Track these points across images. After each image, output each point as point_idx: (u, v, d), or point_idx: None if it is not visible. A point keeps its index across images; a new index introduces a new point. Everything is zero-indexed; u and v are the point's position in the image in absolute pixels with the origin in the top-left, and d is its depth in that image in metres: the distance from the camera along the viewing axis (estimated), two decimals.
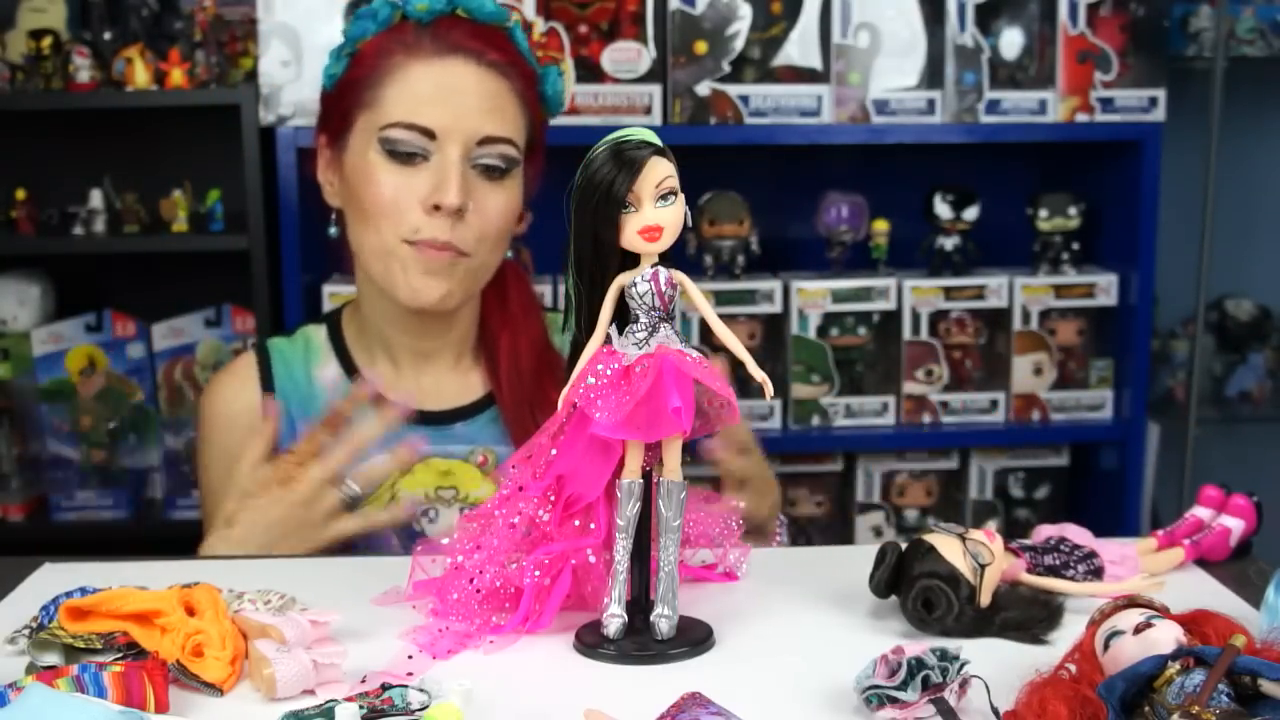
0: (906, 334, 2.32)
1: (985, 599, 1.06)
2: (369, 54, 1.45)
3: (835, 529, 2.44)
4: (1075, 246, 2.37)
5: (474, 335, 1.56)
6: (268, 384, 1.53)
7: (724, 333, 1.03)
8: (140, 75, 2.20)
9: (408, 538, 1.48)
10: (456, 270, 1.44)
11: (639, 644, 1.03)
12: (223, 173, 2.33)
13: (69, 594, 1.06)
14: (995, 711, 0.88)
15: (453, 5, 1.45)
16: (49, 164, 2.46)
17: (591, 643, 1.04)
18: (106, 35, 2.29)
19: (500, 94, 1.44)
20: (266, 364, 1.55)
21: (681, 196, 1.01)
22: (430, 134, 1.41)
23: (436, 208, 1.41)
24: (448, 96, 1.42)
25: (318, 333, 1.58)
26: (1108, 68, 2.26)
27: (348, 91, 1.47)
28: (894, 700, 0.88)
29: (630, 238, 1.00)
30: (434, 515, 1.49)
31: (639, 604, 1.06)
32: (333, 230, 1.54)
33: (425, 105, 1.41)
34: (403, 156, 1.42)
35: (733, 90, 2.19)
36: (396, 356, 1.54)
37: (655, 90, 2.18)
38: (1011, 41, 2.27)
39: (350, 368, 1.54)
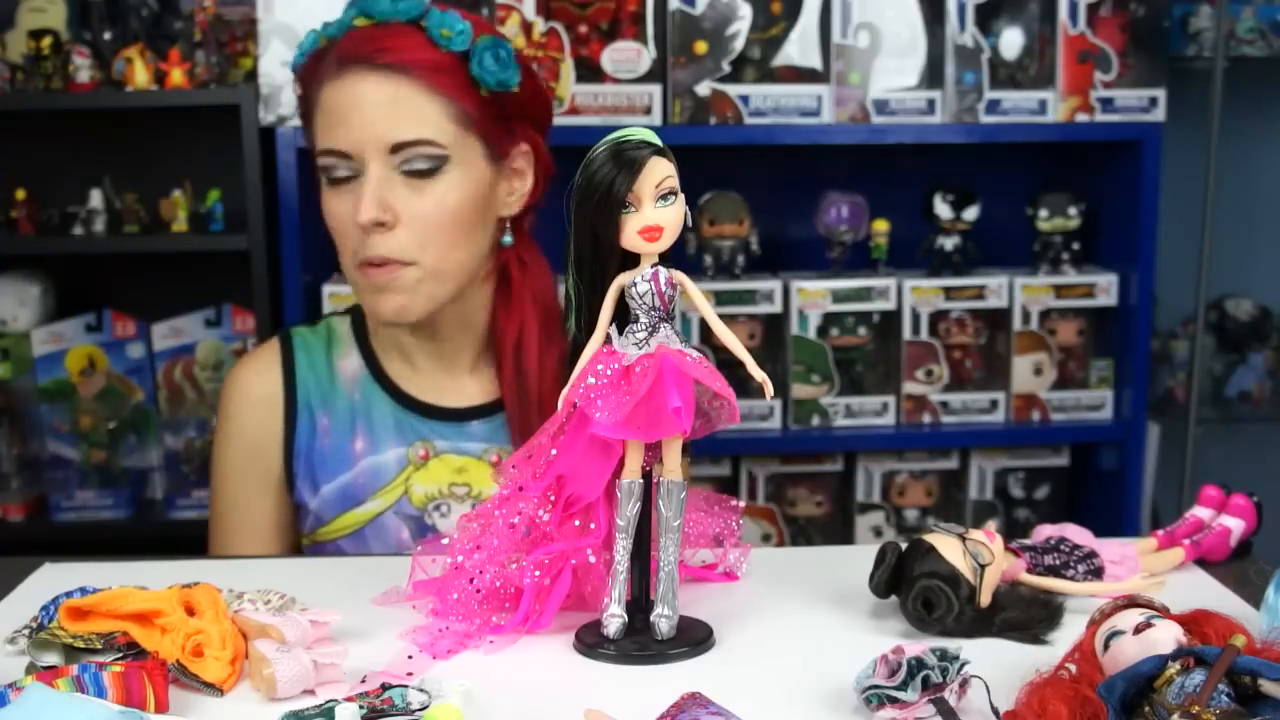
0: (906, 334, 2.32)
1: (985, 599, 1.06)
2: (303, 86, 1.47)
3: (835, 529, 2.44)
4: (1075, 246, 2.37)
5: (485, 336, 1.55)
6: (289, 372, 1.53)
7: (724, 333, 1.03)
8: (140, 75, 2.20)
9: (419, 531, 1.48)
10: (404, 281, 1.41)
11: (639, 644, 1.03)
12: (223, 173, 2.33)
13: (69, 594, 1.06)
14: (995, 711, 0.88)
15: (354, 13, 1.43)
16: (49, 164, 2.46)
17: (591, 643, 1.04)
18: (106, 35, 2.28)
19: (404, 95, 1.39)
20: (289, 352, 1.55)
21: (681, 196, 1.01)
22: (345, 155, 1.41)
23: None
24: (349, 113, 1.39)
25: (341, 323, 1.58)
26: (1108, 68, 2.26)
27: (303, 126, 1.49)
28: (894, 700, 0.88)
29: (630, 238, 1.00)
30: (446, 510, 1.49)
31: (639, 604, 1.07)
32: None
33: (335, 127, 1.41)
34: (338, 181, 1.42)
35: (733, 90, 2.19)
36: (412, 357, 1.54)
37: (655, 90, 2.18)
38: (1011, 41, 2.27)
39: (371, 360, 1.54)
